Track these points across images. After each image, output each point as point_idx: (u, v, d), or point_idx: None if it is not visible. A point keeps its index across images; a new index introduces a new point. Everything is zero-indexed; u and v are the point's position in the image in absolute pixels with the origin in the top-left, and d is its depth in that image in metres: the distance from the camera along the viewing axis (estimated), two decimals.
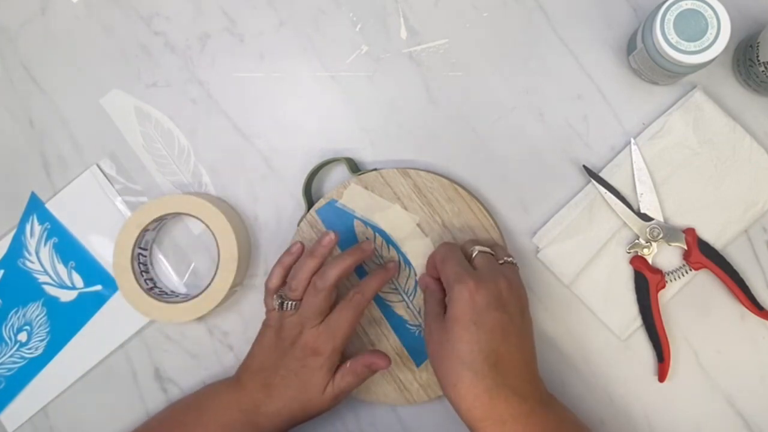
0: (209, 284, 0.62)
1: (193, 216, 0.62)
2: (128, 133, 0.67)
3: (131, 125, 0.67)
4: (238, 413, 0.57)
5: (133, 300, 0.62)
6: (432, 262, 0.57)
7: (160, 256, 0.66)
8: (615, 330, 0.61)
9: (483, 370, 0.48)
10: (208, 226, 0.62)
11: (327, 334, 0.55)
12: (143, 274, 0.64)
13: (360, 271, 0.62)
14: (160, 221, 0.64)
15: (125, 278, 0.63)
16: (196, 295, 0.62)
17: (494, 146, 0.63)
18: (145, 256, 0.65)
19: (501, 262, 0.55)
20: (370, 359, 0.57)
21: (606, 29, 0.63)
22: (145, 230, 0.63)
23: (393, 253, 0.62)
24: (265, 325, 0.58)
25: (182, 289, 0.66)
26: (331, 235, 0.56)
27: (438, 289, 0.55)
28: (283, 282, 0.58)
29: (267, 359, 0.57)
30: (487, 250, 0.56)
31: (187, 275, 0.66)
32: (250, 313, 0.65)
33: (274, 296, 0.57)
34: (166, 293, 0.64)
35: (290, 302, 0.56)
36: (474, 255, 0.55)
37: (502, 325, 0.50)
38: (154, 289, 0.64)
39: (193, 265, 0.66)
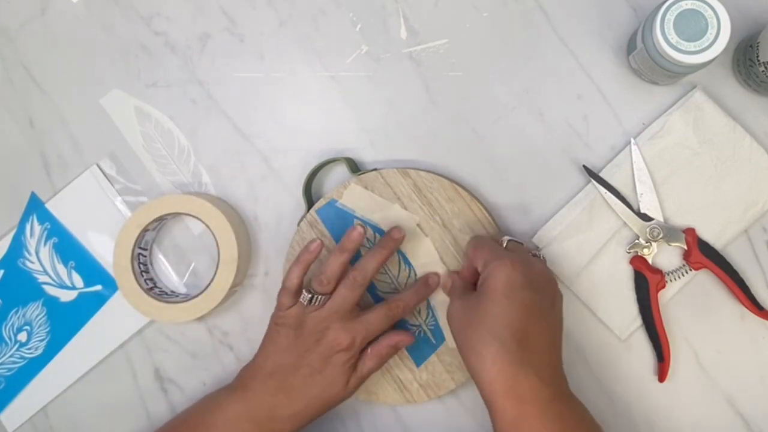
0: (209, 284, 0.62)
1: (193, 216, 0.62)
2: (128, 133, 0.67)
3: (131, 125, 0.67)
4: (249, 425, 0.55)
5: (133, 300, 0.62)
6: (465, 262, 0.57)
7: (160, 256, 0.66)
8: (615, 330, 0.61)
9: (511, 345, 0.48)
10: (208, 226, 0.62)
11: (360, 330, 0.55)
12: (143, 274, 0.64)
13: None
14: (160, 221, 0.64)
15: (125, 278, 0.62)
16: (196, 295, 0.62)
17: (494, 146, 0.63)
18: (145, 256, 0.65)
19: (532, 253, 0.56)
20: (395, 338, 0.57)
21: (606, 29, 0.63)
22: (145, 230, 0.63)
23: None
24: (280, 324, 0.56)
25: (182, 289, 0.66)
26: (359, 229, 0.56)
27: (464, 282, 0.56)
28: (302, 281, 0.57)
29: (284, 359, 0.56)
30: (518, 240, 0.57)
31: (187, 275, 0.66)
32: (250, 313, 0.65)
33: (303, 291, 0.56)
34: (166, 293, 0.64)
35: (320, 296, 0.55)
36: (505, 243, 0.55)
37: (533, 305, 0.50)
38: (154, 289, 0.64)
39: (192, 265, 0.66)
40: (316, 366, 0.55)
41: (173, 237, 0.66)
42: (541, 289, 0.51)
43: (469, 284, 0.56)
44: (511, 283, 0.49)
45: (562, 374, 0.52)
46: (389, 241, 0.58)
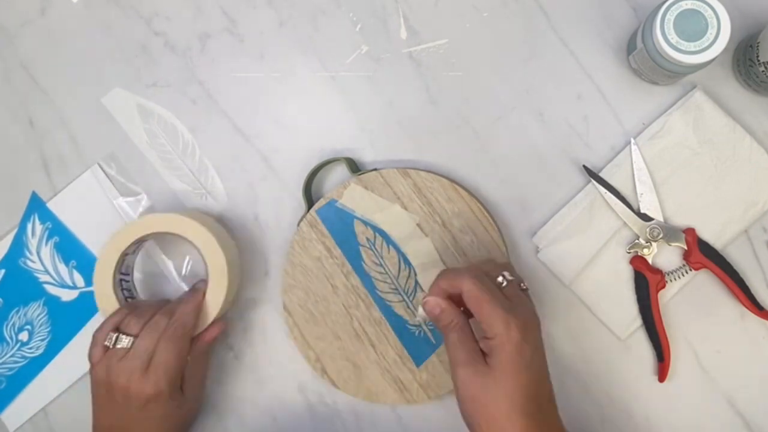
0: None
1: (176, 234, 0.59)
2: (131, 131, 0.67)
3: (134, 123, 0.67)
4: None
5: None
6: (452, 289, 0.50)
7: (163, 257, 0.66)
8: (615, 330, 0.61)
9: (535, 412, 0.48)
10: (193, 244, 0.59)
11: (156, 376, 0.55)
12: (128, 299, 0.62)
13: (366, 280, 0.62)
14: (140, 243, 0.62)
15: (110, 307, 0.60)
16: None
17: (494, 146, 0.63)
18: (128, 281, 0.63)
19: (523, 288, 0.53)
20: (204, 337, 0.59)
21: (606, 29, 0.63)
22: (125, 254, 0.60)
23: (393, 253, 0.62)
24: (93, 382, 0.57)
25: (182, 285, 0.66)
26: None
27: (461, 323, 0.50)
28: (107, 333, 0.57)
29: (114, 420, 0.56)
30: (513, 278, 0.52)
31: (185, 269, 0.66)
32: (250, 313, 0.65)
33: (108, 334, 0.56)
34: None
35: (126, 338, 0.56)
36: (504, 284, 0.51)
37: (541, 363, 0.50)
38: None
39: (190, 262, 0.66)
40: (143, 423, 0.56)
41: (177, 243, 0.66)
42: (538, 343, 0.51)
43: (466, 325, 0.50)
44: (525, 353, 0.48)
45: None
46: (197, 292, 0.59)
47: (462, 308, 0.50)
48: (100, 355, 0.56)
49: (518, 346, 0.48)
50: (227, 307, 0.62)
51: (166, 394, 0.55)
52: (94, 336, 0.57)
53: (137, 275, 0.65)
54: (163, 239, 0.65)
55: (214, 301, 0.59)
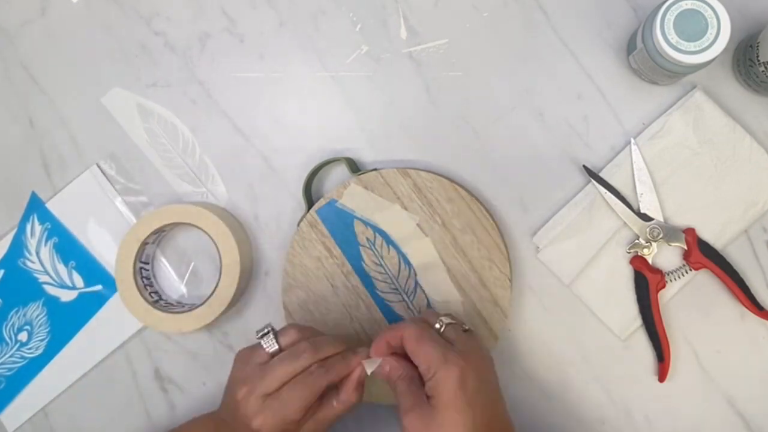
0: (213, 292, 0.62)
1: (193, 225, 0.62)
2: (131, 131, 0.67)
3: (134, 122, 0.67)
4: None
5: (139, 314, 0.62)
6: (395, 341, 0.51)
7: (163, 259, 0.66)
8: (615, 330, 0.61)
9: None
10: (209, 235, 0.62)
11: (272, 411, 0.51)
12: (147, 287, 0.64)
13: (366, 280, 0.62)
14: (160, 233, 0.64)
15: (129, 293, 0.62)
16: (201, 304, 0.62)
17: (494, 146, 0.63)
18: (148, 270, 0.65)
19: (465, 329, 0.53)
20: (351, 387, 0.53)
21: (606, 29, 0.63)
22: (144, 243, 0.62)
23: (393, 253, 0.62)
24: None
25: (183, 290, 0.66)
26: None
27: (408, 374, 0.50)
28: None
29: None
30: (453, 320, 0.52)
31: (186, 276, 0.66)
32: (250, 312, 0.65)
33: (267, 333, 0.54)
34: (172, 304, 0.65)
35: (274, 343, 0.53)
36: (442, 329, 0.52)
37: (490, 403, 0.49)
38: (159, 301, 0.64)
39: (192, 264, 0.66)
40: None
41: (177, 244, 0.66)
42: (486, 377, 0.50)
43: (412, 375, 0.50)
44: (466, 389, 0.47)
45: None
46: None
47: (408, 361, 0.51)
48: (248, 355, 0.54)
49: (458, 382, 0.47)
50: (237, 300, 0.63)
51: None
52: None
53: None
54: (177, 234, 0.66)
55: (225, 294, 0.61)
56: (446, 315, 0.53)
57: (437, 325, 0.52)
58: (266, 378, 0.51)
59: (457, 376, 0.47)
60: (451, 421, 0.47)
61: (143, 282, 0.64)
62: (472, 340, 0.52)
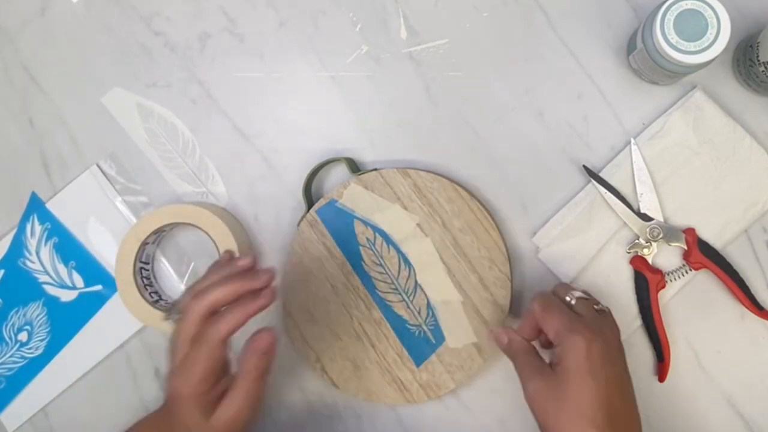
0: None
1: (193, 225, 0.62)
2: (131, 130, 0.67)
3: (134, 122, 0.67)
4: None
5: (139, 315, 0.62)
6: (528, 319, 0.53)
7: (163, 259, 0.66)
8: None
9: (604, 424, 0.47)
10: (209, 235, 0.62)
11: (184, 376, 0.48)
12: (147, 287, 0.64)
13: (366, 280, 0.62)
14: (159, 233, 0.64)
15: (129, 293, 0.62)
16: None
17: (494, 146, 0.63)
18: (148, 270, 0.65)
19: (597, 307, 0.53)
20: (253, 350, 0.49)
21: (606, 29, 0.63)
22: (144, 243, 0.62)
23: (393, 253, 0.62)
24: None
25: (183, 290, 0.66)
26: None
27: (526, 346, 0.53)
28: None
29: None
30: (584, 295, 0.54)
31: (186, 276, 0.66)
32: None
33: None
34: (172, 305, 0.64)
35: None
36: (573, 302, 0.53)
37: (615, 379, 0.49)
38: (159, 301, 0.64)
39: (192, 264, 0.66)
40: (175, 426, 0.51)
41: (177, 244, 0.66)
42: (615, 357, 0.50)
43: (532, 348, 0.53)
44: (593, 359, 0.48)
45: None
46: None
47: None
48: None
49: (585, 351, 0.48)
50: None
51: (188, 399, 0.49)
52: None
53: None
54: (177, 234, 0.66)
55: None
56: (579, 290, 0.54)
57: (567, 298, 0.53)
58: (173, 352, 0.49)
59: (584, 345, 0.48)
60: (575, 387, 0.48)
61: (143, 282, 0.64)
62: (604, 318, 0.53)
